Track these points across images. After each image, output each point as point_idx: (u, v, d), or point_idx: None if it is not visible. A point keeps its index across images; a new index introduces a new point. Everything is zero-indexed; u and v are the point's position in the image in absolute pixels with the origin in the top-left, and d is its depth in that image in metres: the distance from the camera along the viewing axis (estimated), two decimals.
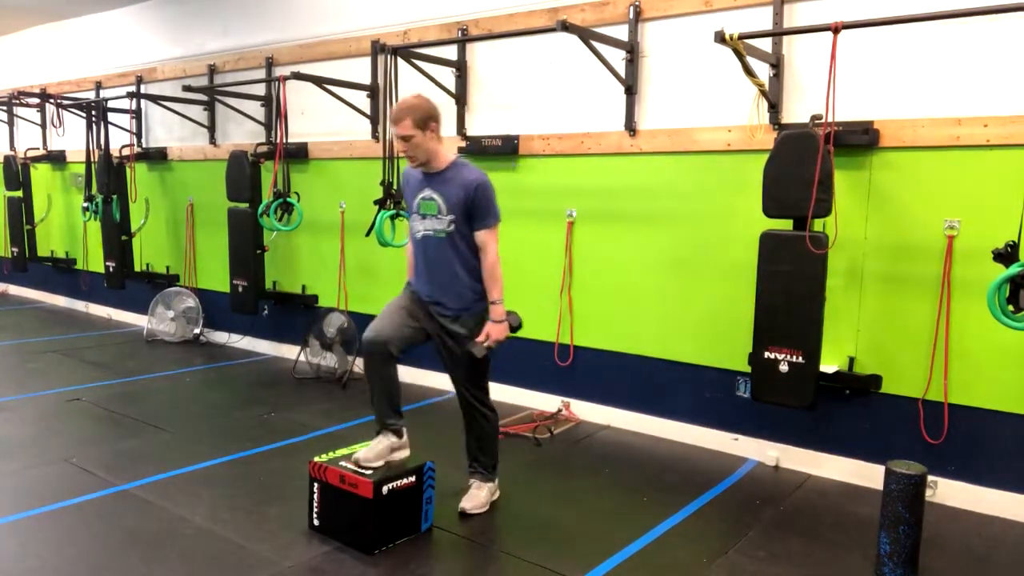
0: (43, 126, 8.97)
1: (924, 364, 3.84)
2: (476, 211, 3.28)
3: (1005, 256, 3.05)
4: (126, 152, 7.50)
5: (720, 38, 3.65)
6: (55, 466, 4.03)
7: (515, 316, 3.43)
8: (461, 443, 3.63)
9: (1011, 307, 3.01)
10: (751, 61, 3.93)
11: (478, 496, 3.54)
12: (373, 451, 3.26)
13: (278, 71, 6.45)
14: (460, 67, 5.43)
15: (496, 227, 3.35)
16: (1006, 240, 3.06)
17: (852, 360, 4.06)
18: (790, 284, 3.80)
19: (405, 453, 3.38)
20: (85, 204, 7.46)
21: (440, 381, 5.45)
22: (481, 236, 3.32)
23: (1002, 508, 3.68)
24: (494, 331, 3.32)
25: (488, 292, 3.35)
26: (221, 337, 7.32)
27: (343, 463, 3.24)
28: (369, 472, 3.16)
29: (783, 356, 3.82)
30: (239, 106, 6.72)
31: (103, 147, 7.31)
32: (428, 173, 3.36)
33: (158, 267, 7.89)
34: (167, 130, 7.71)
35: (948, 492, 3.81)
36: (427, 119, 3.24)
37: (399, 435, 3.35)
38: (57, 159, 8.85)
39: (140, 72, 7.87)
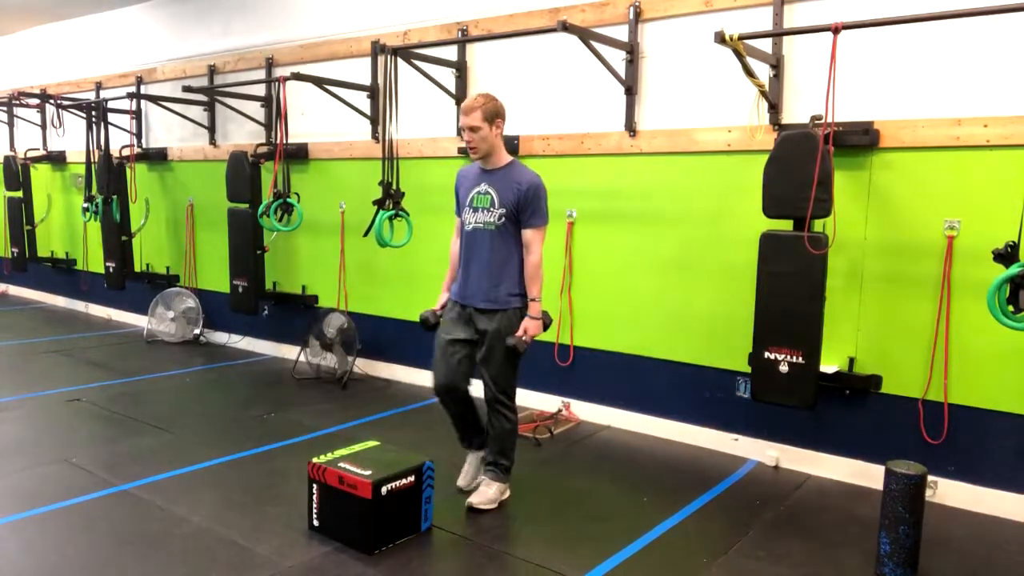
0: (43, 126, 8.97)
1: (924, 364, 3.84)
2: (526, 210, 3.41)
3: (1005, 256, 3.04)
4: (126, 152, 7.50)
5: (720, 38, 3.65)
6: (55, 466, 4.03)
7: (548, 315, 3.55)
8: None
9: (1011, 307, 3.00)
10: (751, 61, 3.93)
11: (486, 493, 3.57)
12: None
13: (278, 71, 6.45)
14: (460, 67, 5.43)
15: (543, 228, 3.47)
16: (1006, 240, 3.06)
17: (852, 360, 4.06)
18: (790, 284, 3.80)
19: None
20: (85, 204, 7.46)
21: None
22: (528, 235, 3.43)
23: (1002, 508, 3.68)
24: (531, 327, 3.44)
25: (528, 289, 3.46)
26: (221, 337, 7.32)
27: (342, 464, 3.24)
28: (368, 473, 3.16)
29: (783, 356, 3.82)
30: (239, 106, 6.73)
31: (103, 147, 7.31)
32: (485, 169, 3.50)
33: (158, 267, 7.89)
34: (167, 130, 7.71)
35: (948, 492, 3.81)
36: (495, 115, 3.40)
37: (483, 447, 3.68)
38: (57, 159, 8.85)
39: (140, 72, 7.87)
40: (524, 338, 3.42)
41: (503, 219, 3.42)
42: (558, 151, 5.07)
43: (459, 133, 3.43)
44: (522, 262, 3.46)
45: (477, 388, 3.55)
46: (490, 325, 3.45)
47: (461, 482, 3.71)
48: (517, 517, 3.58)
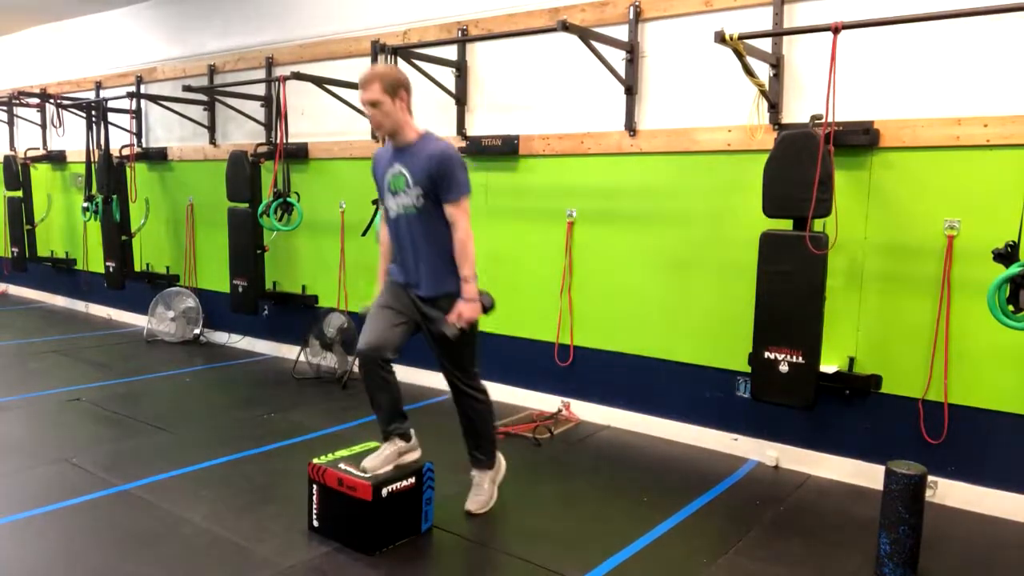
0: (43, 126, 8.97)
1: (924, 364, 3.84)
2: (441, 184, 3.14)
3: (1005, 256, 3.05)
4: (126, 152, 7.50)
5: (720, 38, 3.65)
6: (55, 466, 4.03)
7: (488, 296, 3.29)
8: (460, 436, 3.60)
9: (1011, 307, 3.01)
10: (751, 61, 3.93)
11: (480, 493, 3.52)
12: (380, 457, 3.23)
13: (278, 71, 6.45)
14: (460, 67, 5.43)
15: (464, 200, 3.18)
16: (1006, 240, 3.06)
17: (852, 360, 4.06)
18: (790, 284, 3.80)
19: (415, 455, 3.36)
20: (85, 204, 7.47)
21: (440, 381, 5.44)
22: (449, 212, 3.17)
23: (1002, 508, 3.68)
24: (465, 310, 3.17)
25: (460, 268, 3.20)
26: (221, 337, 7.32)
27: (342, 465, 3.23)
28: (368, 475, 3.15)
29: (783, 356, 3.82)
30: (239, 106, 6.72)
31: (103, 147, 7.31)
32: (397, 148, 3.24)
33: (158, 267, 7.89)
34: (167, 130, 7.71)
35: (948, 492, 3.80)
36: (396, 86, 3.12)
37: (406, 438, 3.32)
38: (57, 159, 8.85)
39: (140, 72, 7.87)
40: (458, 323, 3.16)
41: (421, 199, 3.16)
42: (558, 151, 5.06)
43: (368, 105, 3.14)
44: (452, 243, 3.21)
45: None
46: (433, 311, 3.24)
47: (368, 462, 3.22)
48: (517, 517, 3.57)
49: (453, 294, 3.23)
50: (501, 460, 3.66)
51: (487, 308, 3.29)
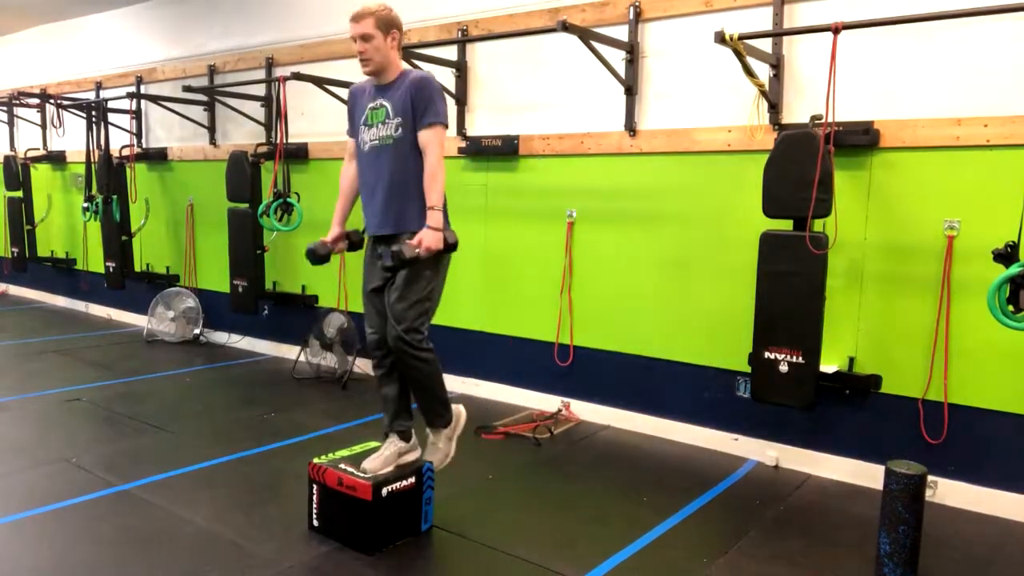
0: (43, 126, 8.97)
1: (924, 364, 3.84)
2: (417, 109, 3.05)
3: (1005, 256, 3.05)
4: (126, 152, 7.50)
5: (720, 38, 3.66)
6: (55, 466, 4.03)
7: (452, 233, 3.10)
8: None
9: (1011, 307, 3.01)
10: (751, 61, 3.93)
11: (435, 452, 3.35)
12: (380, 459, 3.22)
13: (278, 71, 6.45)
14: (460, 67, 5.43)
15: (440, 128, 3.08)
16: (1006, 240, 3.06)
17: (852, 360, 4.06)
18: (790, 284, 3.80)
19: (415, 455, 3.35)
20: (85, 204, 7.47)
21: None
22: (422, 136, 3.05)
23: (1002, 508, 3.68)
24: (427, 238, 2.98)
25: (427, 196, 3.04)
26: (221, 337, 7.32)
27: (342, 465, 3.23)
28: (368, 476, 3.15)
29: (783, 356, 3.82)
30: (239, 106, 6.72)
31: (103, 147, 7.31)
32: (379, 86, 3.17)
33: (158, 267, 7.89)
34: (167, 130, 7.71)
35: (948, 492, 3.80)
36: (390, 24, 3.09)
37: (407, 438, 3.31)
38: (57, 159, 8.85)
39: (140, 72, 7.87)
40: (418, 249, 2.95)
41: (399, 129, 3.08)
42: (558, 151, 5.06)
43: (360, 39, 3.07)
44: None
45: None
46: (392, 248, 3.04)
47: (368, 464, 3.18)
48: (517, 517, 3.58)
49: (414, 232, 3.06)
50: (460, 412, 3.42)
51: (450, 244, 3.08)
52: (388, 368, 3.28)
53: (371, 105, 3.18)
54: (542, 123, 5.15)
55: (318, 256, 3.32)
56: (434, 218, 3.02)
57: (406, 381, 3.29)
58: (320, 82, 5.62)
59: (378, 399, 3.34)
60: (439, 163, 3.06)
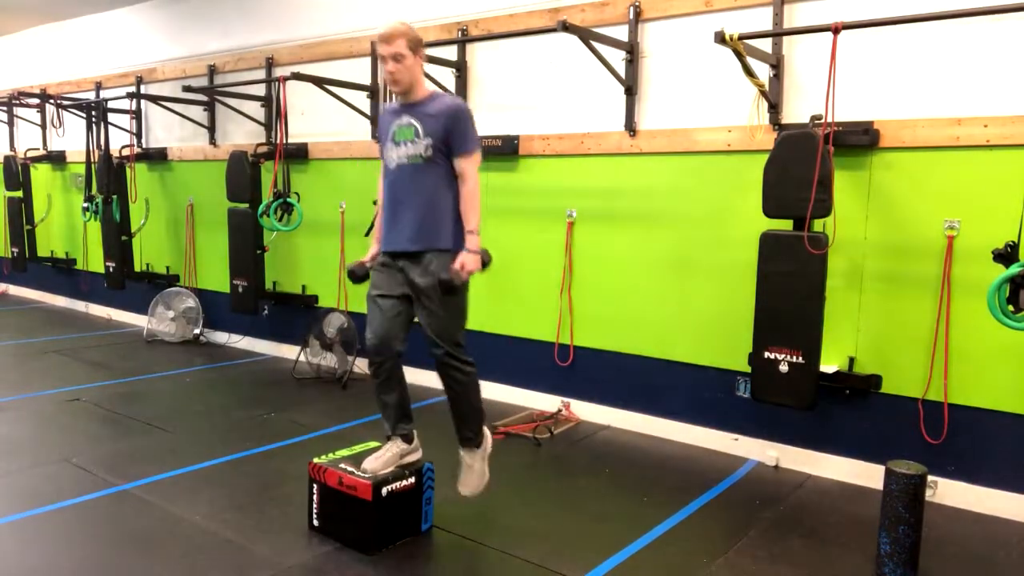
0: (43, 126, 8.96)
1: (924, 364, 3.84)
2: (455, 137, 3.12)
3: (1005, 256, 3.05)
4: (126, 152, 7.50)
5: (720, 38, 3.66)
6: (55, 466, 4.03)
7: (487, 253, 3.20)
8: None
9: (1011, 307, 3.01)
10: (751, 61, 3.93)
11: (472, 474, 3.35)
12: (381, 459, 3.21)
13: (278, 71, 6.45)
14: (460, 67, 5.43)
15: (476, 155, 3.18)
16: (1006, 240, 3.07)
17: (852, 360, 4.06)
18: (790, 284, 3.80)
19: (416, 456, 3.35)
20: (85, 204, 7.47)
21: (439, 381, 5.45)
22: (460, 164, 3.14)
23: (1002, 508, 3.68)
24: (469, 261, 3.08)
25: (465, 220, 3.14)
26: (221, 337, 7.32)
27: (343, 465, 3.23)
28: (368, 475, 3.15)
29: (783, 356, 3.82)
30: (239, 106, 6.73)
31: (103, 147, 7.31)
32: (407, 104, 3.21)
33: (158, 267, 7.89)
34: (167, 130, 7.71)
35: (948, 492, 3.81)
36: (418, 44, 3.15)
37: (409, 440, 3.31)
38: (57, 159, 8.85)
39: (140, 72, 7.87)
40: (462, 273, 3.05)
41: (430, 150, 3.11)
42: (558, 151, 5.07)
43: (390, 59, 3.10)
44: (457, 198, 3.15)
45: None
46: (424, 271, 3.11)
47: (368, 464, 3.21)
48: (517, 517, 3.57)
49: (441, 251, 3.13)
50: (487, 434, 3.46)
51: (486, 263, 3.20)
52: (387, 375, 3.24)
53: (399, 123, 3.20)
54: (542, 123, 5.15)
55: (357, 276, 3.38)
56: (473, 241, 3.13)
57: (406, 388, 3.29)
58: (320, 82, 5.62)
59: (377, 405, 3.32)
60: (477, 188, 3.17)
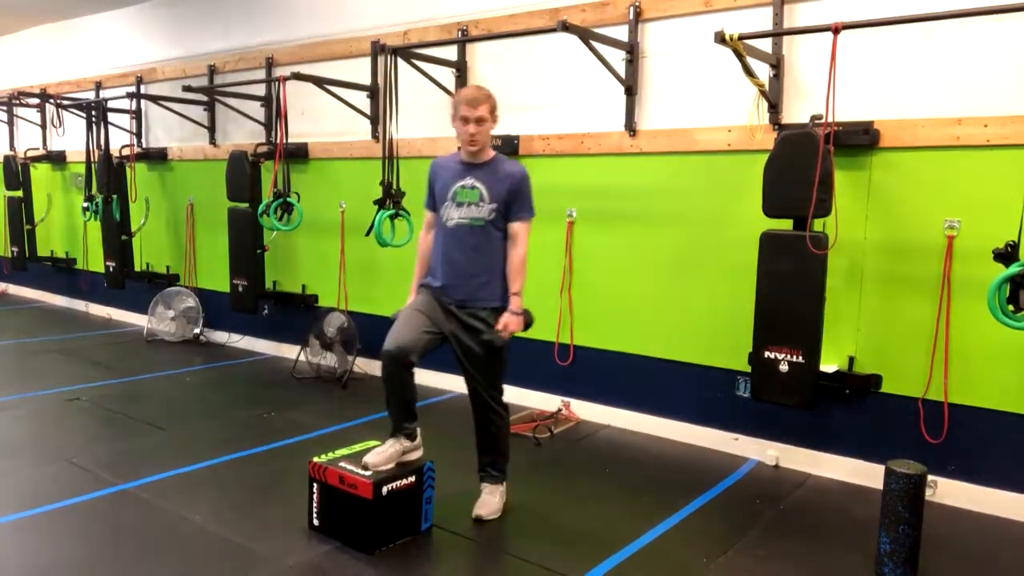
0: (43, 126, 8.97)
1: (924, 364, 3.84)
2: (517, 202, 3.34)
3: (1005, 256, 3.05)
4: (126, 152, 7.50)
5: (720, 38, 3.66)
6: (55, 466, 4.03)
7: (529, 313, 3.43)
8: (471, 443, 3.57)
9: (1011, 307, 3.01)
10: (751, 61, 3.93)
11: (491, 502, 3.50)
12: (384, 455, 3.24)
13: (278, 71, 6.45)
14: (460, 67, 5.43)
15: (531, 222, 3.41)
16: (1006, 240, 3.07)
17: (852, 360, 4.07)
18: (790, 284, 3.80)
19: (418, 454, 3.39)
20: (85, 204, 7.47)
21: (441, 381, 5.46)
22: (516, 227, 3.36)
23: (1002, 508, 3.68)
24: (512, 322, 3.32)
25: (511, 283, 3.36)
26: (221, 337, 7.32)
27: (343, 464, 3.24)
28: (369, 473, 3.15)
29: (783, 356, 3.82)
30: (239, 106, 6.73)
31: (103, 147, 7.31)
32: (469, 163, 3.37)
33: (158, 267, 7.89)
34: (167, 130, 7.71)
35: (948, 492, 3.81)
36: (495, 109, 3.34)
37: (412, 438, 3.35)
38: (57, 159, 8.85)
39: (140, 72, 7.87)
40: (503, 333, 3.30)
41: (494, 214, 3.32)
42: (558, 151, 5.07)
43: (474, 122, 3.27)
44: (506, 258, 3.37)
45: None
46: (477, 323, 3.33)
47: (370, 459, 3.21)
48: (517, 517, 3.57)
49: (493, 308, 3.35)
50: (506, 487, 3.63)
51: (528, 324, 3.43)
52: (398, 380, 3.27)
53: (462, 183, 3.36)
54: (542, 123, 5.15)
55: None
56: (517, 303, 3.35)
57: (414, 389, 3.35)
58: (320, 82, 5.62)
59: (382, 404, 3.36)
60: (526, 253, 3.39)
